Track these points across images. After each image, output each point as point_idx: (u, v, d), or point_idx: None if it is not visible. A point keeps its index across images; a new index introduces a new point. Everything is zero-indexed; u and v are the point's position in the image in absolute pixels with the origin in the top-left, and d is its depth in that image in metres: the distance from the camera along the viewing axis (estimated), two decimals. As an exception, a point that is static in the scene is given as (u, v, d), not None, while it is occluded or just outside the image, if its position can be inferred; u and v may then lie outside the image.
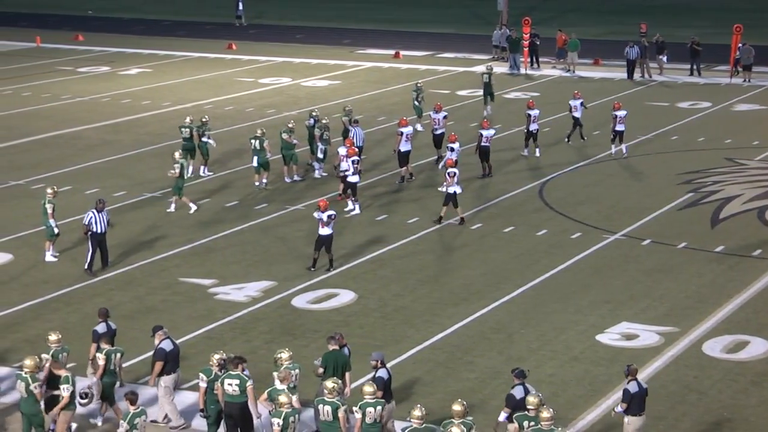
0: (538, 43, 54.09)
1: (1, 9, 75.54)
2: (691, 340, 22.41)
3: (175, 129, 40.16)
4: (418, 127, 39.64)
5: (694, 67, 52.14)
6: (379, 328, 23.06)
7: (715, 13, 71.91)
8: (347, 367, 18.40)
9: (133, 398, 16.84)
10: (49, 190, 27.10)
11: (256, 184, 32.86)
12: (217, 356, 17.85)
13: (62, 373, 17.71)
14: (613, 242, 28.48)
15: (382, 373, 17.83)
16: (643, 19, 60.91)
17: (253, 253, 27.58)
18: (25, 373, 17.44)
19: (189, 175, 33.83)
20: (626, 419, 17.42)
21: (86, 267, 25.82)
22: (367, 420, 16.64)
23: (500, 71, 53.22)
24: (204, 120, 34.84)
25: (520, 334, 22.75)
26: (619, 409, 17.48)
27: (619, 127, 37.20)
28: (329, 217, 25.82)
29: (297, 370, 17.93)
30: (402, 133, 33.33)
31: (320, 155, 33.93)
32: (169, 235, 28.91)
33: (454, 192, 29.29)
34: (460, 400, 16.49)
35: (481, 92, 44.75)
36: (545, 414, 15.95)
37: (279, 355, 18.00)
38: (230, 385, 17.49)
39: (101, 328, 19.58)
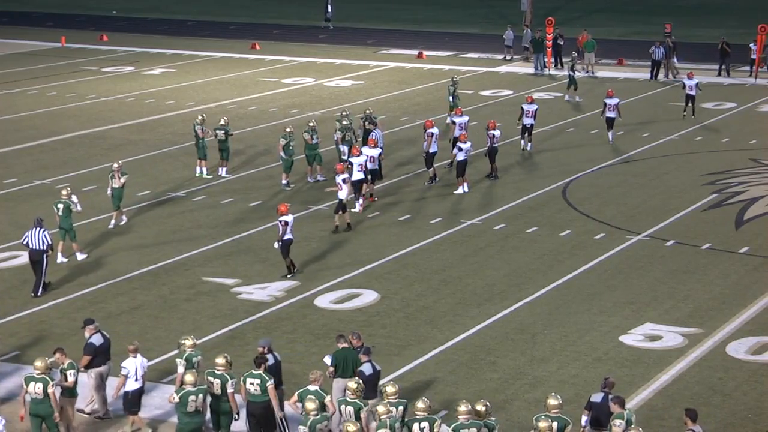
0: (561, 43, 53.89)
1: (27, 9, 75.97)
2: (715, 341, 22.32)
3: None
4: (448, 120, 39.84)
5: (723, 67, 51.91)
6: (402, 328, 23.06)
7: (742, 13, 71.57)
8: (358, 364, 18.42)
9: None
10: (64, 192, 26.92)
11: (283, 182, 33.02)
12: (220, 360, 17.79)
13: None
14: (636, 243, 28.40)
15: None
16: (669, 19, 60.71)
17: (276, 252, 27.59)
18: (38, 374, 17.51)
19: (205, 174, 33.98)
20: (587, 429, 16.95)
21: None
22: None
23: (511, 71, 53.19)
24: (224, 121, 34.68)
25: (543, 334, 22.71)
26: (584, 418, 16.95)
27: (610, 114, 38.28)
28: (283, 223, 25.28)
29: (199, 357, 18.28)
30: (432, 135, 33.28)
31: (344, 157, 33.91)
32: (193, 234, 28.99)
33: (342, 199, 28.65)
34: (482, 400, 16.51)
35: (507, 92, 44.66)
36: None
37: (183, 342, 18.28)
38: (252, 384, 17.55)
39: None
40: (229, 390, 17.50)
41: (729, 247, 27.98)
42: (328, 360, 18.54)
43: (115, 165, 29.74)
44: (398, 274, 26.17)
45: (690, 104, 42.58)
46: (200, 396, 17.25)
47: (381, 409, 16.25)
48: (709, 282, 25.65)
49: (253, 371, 17.65)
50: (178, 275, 26.11)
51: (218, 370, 17.59)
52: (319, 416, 16.35)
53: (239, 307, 24.18)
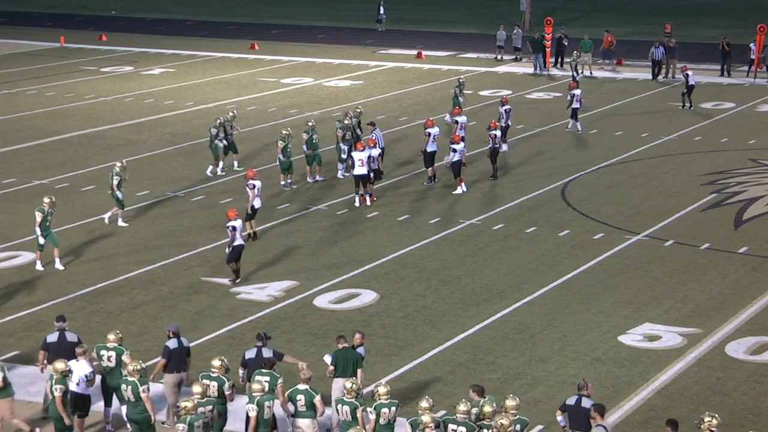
0: (566, 43, 53.73)
1: (25, 9, 75.97)
2: (714, 341, 22.32)
3: (197, 128, 40.40)
4: (447, 119, 39.78)
5: (724, 67, 51.89)
6: (401, 328, 23.06)
7: (741, 13, 71.59)
8: (358, 364, 18.44)
9: None
10: (46, 200, 26.32)
11: (282, 183, 33.03)
12: (216, 362, 17.73)
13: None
14: (635, 243, 28.40)
15: (169, 342, 18.57)
16: (668, 19, 60.71)
17: (276, 252, 27.63)
18: (131, 376, 17.43)
19: (236, 167, 34.51)
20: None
21: None
22: (381, 421, 16.63)
23: (510, 71, 53.24)
24: (219, 122, 34.62)
25: (542, 334, 22.72)
26: (559, 418, 16.98)
27: (575, 105, 39.84)
28: (231, 228, 24.87)
29: (111, 353, 18.40)
30: (429, 134, 33.26)
31: (343, 156, 33.93)
32: (192, 234, 28.98)
33: (254, 205, 28.10)
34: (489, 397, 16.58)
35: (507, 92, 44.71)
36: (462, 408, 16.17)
37: (109, 336, 18.54)
38: (258, 382, 17.53)
39: None
40: (227, 392, 17.46)
41: (728, 247, 27.98)
42: (327, 359, 18.58)
43: (119, 164, 29.48)
44: (397, 274, 26.17)
45: (689, 95, 44.13)
46: (129, 387, 17.24)
47: (255, 386, 16.90)
48: (708, 282, 25.65)
49: (262, 370, 17.68)
50: (177, 275, 26.11)
51: (213, 372, 17.56)
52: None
53: (238, 307, 24.18)
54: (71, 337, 19.11)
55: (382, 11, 66.47)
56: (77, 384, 18.15)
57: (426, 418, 15.97)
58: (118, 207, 29.39)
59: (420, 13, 74.76)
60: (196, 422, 16.39)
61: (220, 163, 34.45)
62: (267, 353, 18.44)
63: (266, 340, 18.73)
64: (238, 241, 25.12)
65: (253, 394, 16.92)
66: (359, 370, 18.40)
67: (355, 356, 18.47)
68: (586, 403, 16.82)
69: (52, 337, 19.10)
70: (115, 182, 28.94)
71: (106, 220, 29.54)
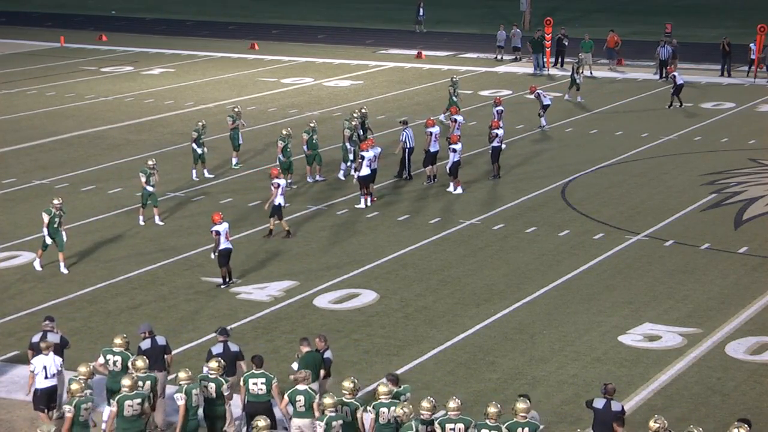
0: (566, 44, 53.71)
1: (25, 9, 75.96)
2: (714, 341, 22.33)
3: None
4: (442, 117, 39.76)
5: (725, 67, 51.87)
6: (401, 328, 23.06)
7: (742, 13, 71.59)
8: (320, 366, 18.39)
9: None
10: (54, 201, 26.31)
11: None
12: (213, 364, 17.63)
13: None
14: (635, 243, 28.40)
15: (142, 343, 18.70)
16: (669, 19, 60.69)
17: (276, 252, 27.63)
18: (80, 378, 17.29)
19: (234, 165, 34.88)
20: None
21: None
22: (380, 420, 16.60)
23: (510, 71, 53.24)
24: (201, 124, 34.45)
25: (542, 334, 22.72)
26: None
27: (546, 102, 40.76)
28: (215, 233, 24.87)
29: (117, 357, 18.36)
30: (431, 134, 33.28)
31: (349, 156, 33.84)
32: (192, 234, 28.99)
33: (279, 204, 28.13)
34: (494, 402, 16.54)
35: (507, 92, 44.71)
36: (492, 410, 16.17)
37: (116, 340, 18.51)
38: (255, 384, 17.50)
39: None
40: (225, 393, 17.45)
41: (728, 247, 27.98)
42: (295, 366, 18.44)
43: (151, 162, 29.64)
44: (397, 274, 26.17)
45: (677, 95, 44.40)
46: (148, 383, 17.32)
47: (181, 374, 17.19)
48: (708, 282, 25.65)
49: (254, 371, 17.63)
50: (177, 275, 26.11)
51: (211, 374, 17.52)
52: (84, 397, 16.55)
53: (238, 307, 24.18)
54: (53, 337, 19.13)
55: (421, 12, 65.86)
56: (45, 377, 18.19)
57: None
58: (142, 205, 29.66)
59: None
60: (84, 405, 16.40)
61: (194, 170, 34.19)
62: (234, 348, 18.54)
63: (229, 334, 18.85)
64: (225, 245, 24.98)
65: (181, 382, 17.08)
66: (322, 371, 18.35)
67: (318, 359, 18.41)
68: (615, 406, 16.71)
69: (36, 338, 19.20)
70: (142, 179, 29.18)
71: (158, 221, 29.79)
